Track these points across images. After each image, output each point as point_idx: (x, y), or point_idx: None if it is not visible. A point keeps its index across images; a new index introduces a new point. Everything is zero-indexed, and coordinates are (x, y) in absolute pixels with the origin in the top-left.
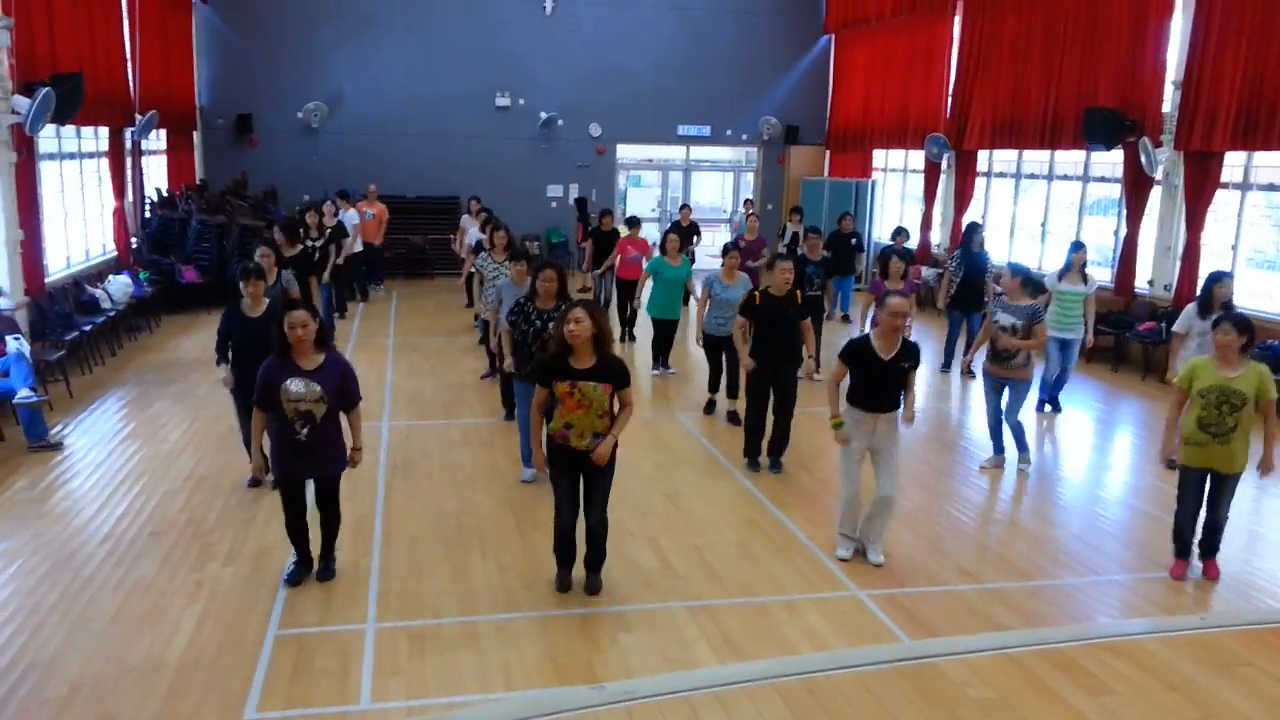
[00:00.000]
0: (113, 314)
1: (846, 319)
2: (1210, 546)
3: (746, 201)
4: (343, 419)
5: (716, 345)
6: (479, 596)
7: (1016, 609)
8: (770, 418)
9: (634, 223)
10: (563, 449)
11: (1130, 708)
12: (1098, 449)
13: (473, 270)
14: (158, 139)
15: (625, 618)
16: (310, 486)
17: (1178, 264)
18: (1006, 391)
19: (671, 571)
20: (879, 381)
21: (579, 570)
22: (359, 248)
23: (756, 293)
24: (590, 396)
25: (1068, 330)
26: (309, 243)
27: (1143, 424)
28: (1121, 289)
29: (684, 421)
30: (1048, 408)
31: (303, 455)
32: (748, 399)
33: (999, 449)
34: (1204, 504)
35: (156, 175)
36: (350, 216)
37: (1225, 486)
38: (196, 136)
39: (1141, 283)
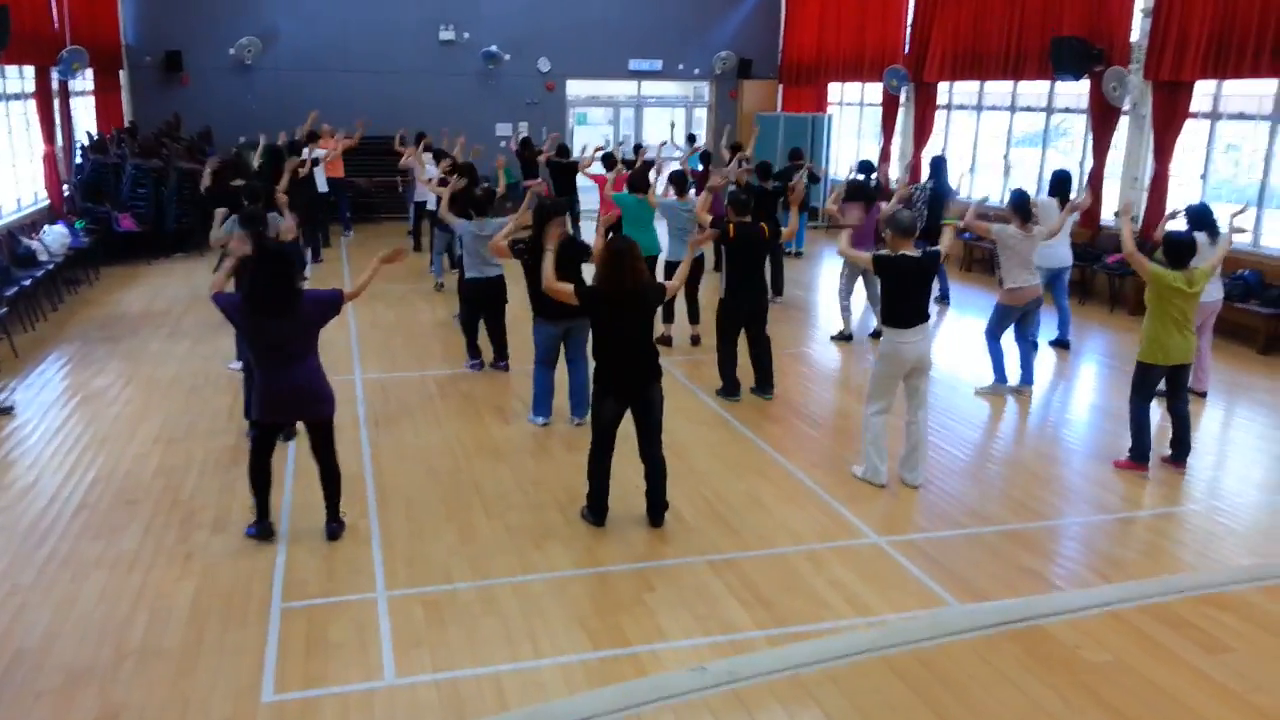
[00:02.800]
0: (51, 266)
1: (799, 255)
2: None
3: (690, 136)
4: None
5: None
6: (490, 559)
7: (1039, 551)
8: (748, 354)
9: (612, 160)
10: (610, 377)
11: (1255, 666)
12: (1074, 382)
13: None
14: (84, 79)
15: (646, 575)
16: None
17: (1145, 195)
18: (1029, 315)
19: (685, 524)
20: (914, 288)
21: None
22: (324, 187)
23: (731, 224)
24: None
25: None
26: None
27: (1113, 355)
28: (1087, 221)
29: (670, 367)
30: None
31: (288, 397)
32: (720, 330)
33: (1003, 378)
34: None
35: (84, 118)
36: (317, 153)
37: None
38: (123, 76)
39: (1107, 215)
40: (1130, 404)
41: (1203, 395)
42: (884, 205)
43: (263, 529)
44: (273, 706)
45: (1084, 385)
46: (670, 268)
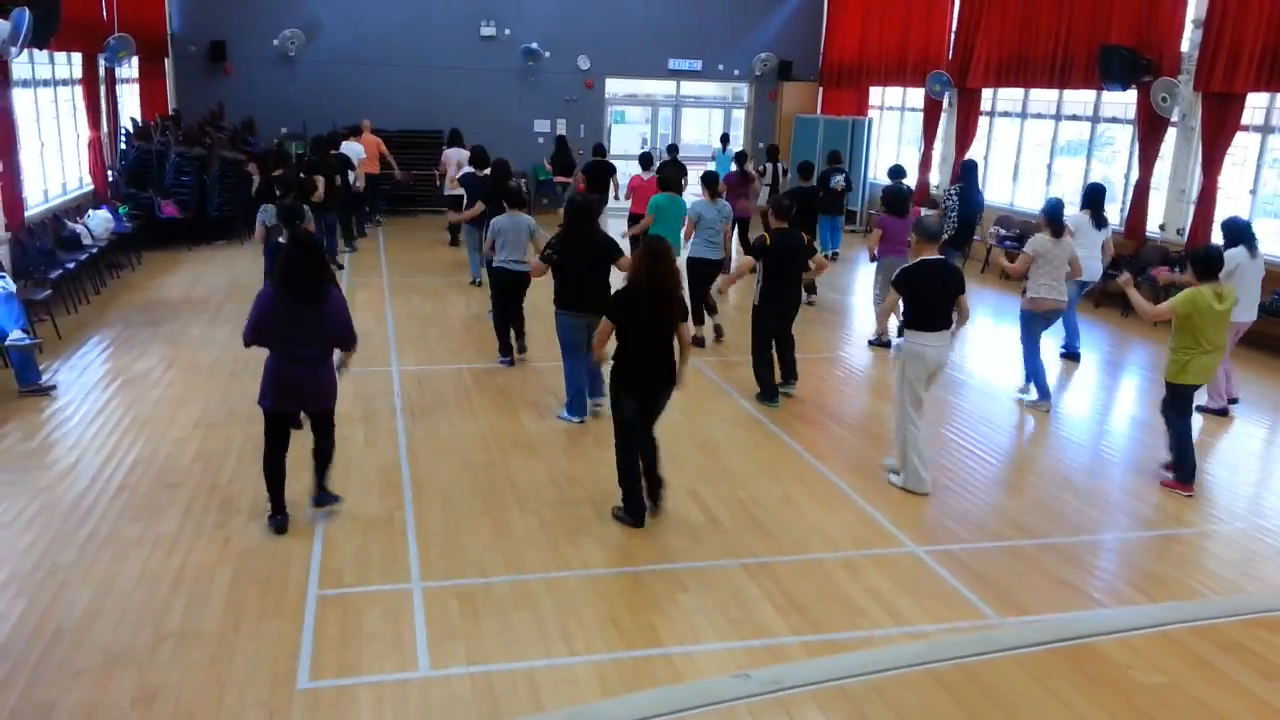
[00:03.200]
0: (94, 250)
1: (835, 257)
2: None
3: (725, 136)
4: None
5: (702, 270)
6: (524, 553)
7: (1079, 565)
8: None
9: (649, 161)
10: (633, 378)
11: None
12: (1115, 394)
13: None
14: (129, 66)
15: (679, 576)
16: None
17: (1191, 208)
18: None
19: (718, 526)
20: (934, 293)
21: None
22: (361, 183)
23: (767, 234)
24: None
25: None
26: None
27: (1154, 368)
28: (1132, 233)
29: (702, 367)
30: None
31: (296, 389)
32: (755, 337)
33: (1046, 393)
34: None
35: (129, 105)
36: (355, 149)
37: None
38: (168, 64)
39: (1152, 227)
40: (1168, 426)
41: (1234, 402)
42: (923, 211)
43: (277, 523)
44: (308, 693)
45: (1124, 398)
46: (691, 264)
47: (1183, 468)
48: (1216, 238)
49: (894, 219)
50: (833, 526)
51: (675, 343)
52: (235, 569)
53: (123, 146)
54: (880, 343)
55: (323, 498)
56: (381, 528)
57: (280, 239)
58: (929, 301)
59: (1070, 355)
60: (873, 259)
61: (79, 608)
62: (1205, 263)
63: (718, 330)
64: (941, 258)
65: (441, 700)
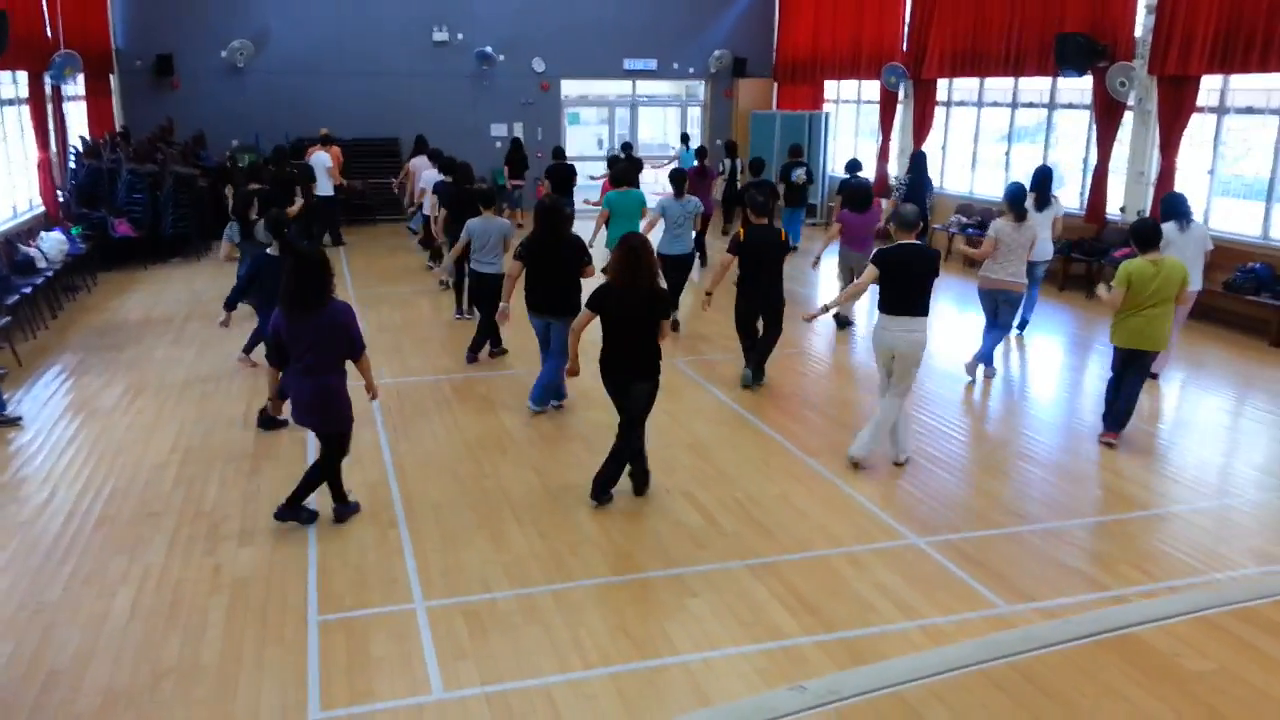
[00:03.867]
0: (50, 274)
1: (795, 249)
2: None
3: (684, 135)
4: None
5: (668, 264)
6: (526, 566)
7: (1079, 549)
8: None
9: (617, 163)
10: (606, 368)
11: None
12: (1085, 376)
13: (434, 215)
14: (75, 84)
15: (686, 581)
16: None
17: (1151, 190)
18: (1002, 307)
19: (719, 528)
20: (907, 276)
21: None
22: (330, 190)
23: (742, 229)
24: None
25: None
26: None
27: None
28: (1092, 216)
29: (683, 367)
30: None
31: (303, 402)
32: (738, 330)
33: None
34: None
35: (76, 123)
36: (321, 159)
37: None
38: (114, 80)
39: (1112, 209)
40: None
41: (1154, 377)
42: (883, 204)
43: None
44: None
45: (1093, 377)
46: (661, 261)
47: (1107, 417)
48: None
49: (854, 215)
50: (833, 522)
51: (658, 339)
52: (230, 598)
53: (72, 166)
54: (845, 322)
55: (285, 513)
56: (376, 547)
57: (269, 250)
58: (900, 285)
59: (1020, 324)
60: (815, 263)
61: (70, 648)
62: (1141, 234)
63: (675, 324)
64: (920, 243)
65: None
